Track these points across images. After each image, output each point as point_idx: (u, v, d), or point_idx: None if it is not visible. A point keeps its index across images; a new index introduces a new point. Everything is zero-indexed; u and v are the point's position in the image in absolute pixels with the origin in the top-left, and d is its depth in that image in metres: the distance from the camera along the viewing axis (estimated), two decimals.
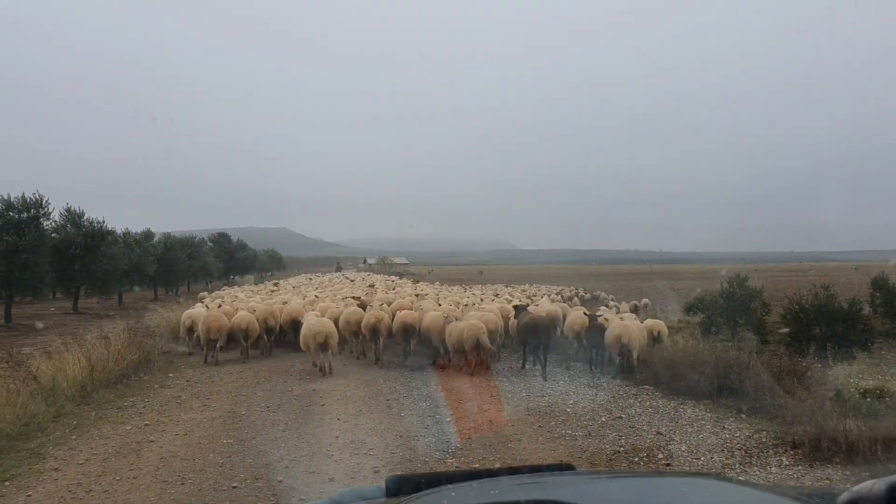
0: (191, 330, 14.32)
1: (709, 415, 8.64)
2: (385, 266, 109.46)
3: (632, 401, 9.52)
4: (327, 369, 11.75)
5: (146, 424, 8.23)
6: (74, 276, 25.66)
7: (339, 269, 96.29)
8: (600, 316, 12.90)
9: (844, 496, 1.29)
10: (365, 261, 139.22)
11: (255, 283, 41.75)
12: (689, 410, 8.88)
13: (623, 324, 11.65)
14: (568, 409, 8.87)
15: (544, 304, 17.41)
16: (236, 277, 59.27)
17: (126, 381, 11.02)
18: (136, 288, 36.46)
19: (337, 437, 7.57)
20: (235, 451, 7.09)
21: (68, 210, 26.47)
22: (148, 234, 36.76)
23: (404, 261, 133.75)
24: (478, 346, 11.34)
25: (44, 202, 22.37)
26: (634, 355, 11.30)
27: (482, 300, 19.27)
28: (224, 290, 27.85)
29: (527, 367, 12.30)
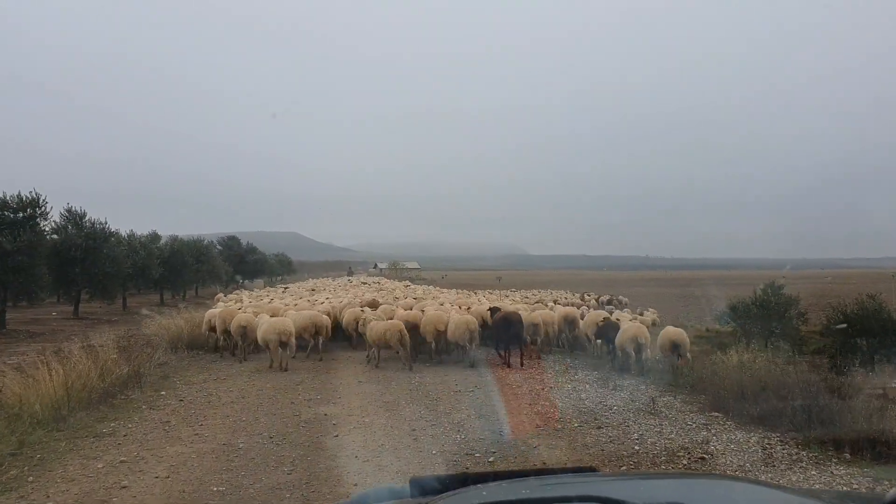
0: (226, 332, 14.17)
1: (804, 454, 7.08)
2: (397, 271, 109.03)
3: (705, 433, 7.95)
4: (284, 366, 12.46)
5: (122, 461, 6.74)
6: (75, 279, 24.44)
7: (351, 274, 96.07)
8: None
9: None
10: (376, 265, 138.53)
11: (266, 288, 40.75)
12: (778, 447, 7.31)
13: (637, 325, 12.60)
14: (636, 447, 7.32)
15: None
16: (245, 282, 58.06)
17: (110, 401, 9.52)
18: (139, 291, 35.29)
19: (356, 483, 6.08)
20: None
21: (69, 210, 25.31)
22: (154, 237, 35.56)
23: (416, 265, 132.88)
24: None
25: (41, 201, 21.09)
26: (644, 355, 11.91)
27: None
28: (249, 292, 28.18)
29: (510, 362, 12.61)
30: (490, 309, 14.60)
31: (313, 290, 30.46)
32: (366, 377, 11.98)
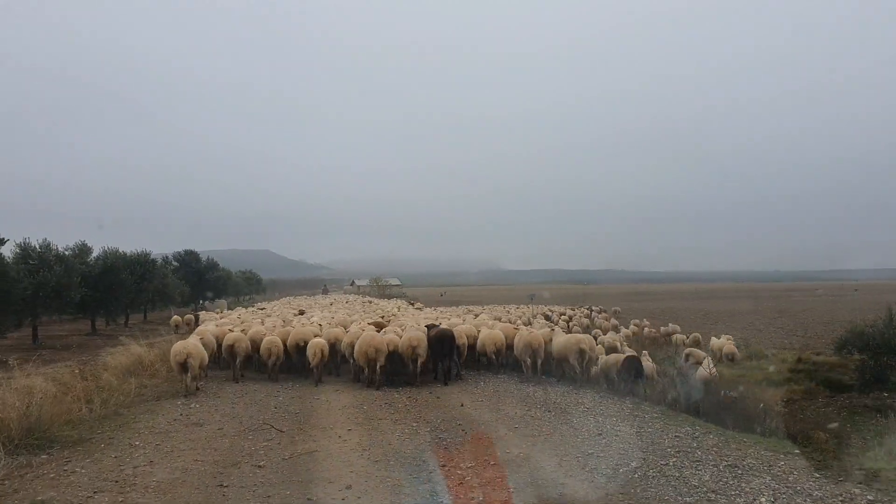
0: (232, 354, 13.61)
1: None
2: (379, 288, 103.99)
3: None
4: (193, 389, 11.75)
5: None
6: None
7: (325, 292, 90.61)
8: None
9: None
10: (353, 282, 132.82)
11: (231, 308, 34.98)
12: None
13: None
14: None
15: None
16: (206, 302, 51.31)
17: None
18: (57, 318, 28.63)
19: None
20: None
21: None
22: (82, 249, 28.84)
23: (397, 282, 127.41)
24: None
25: None
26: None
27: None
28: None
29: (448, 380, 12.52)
30: (427, 326, 14.45)
31: (302, 311, 26.71)
32: (364, 417, 6.51)
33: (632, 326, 28.47)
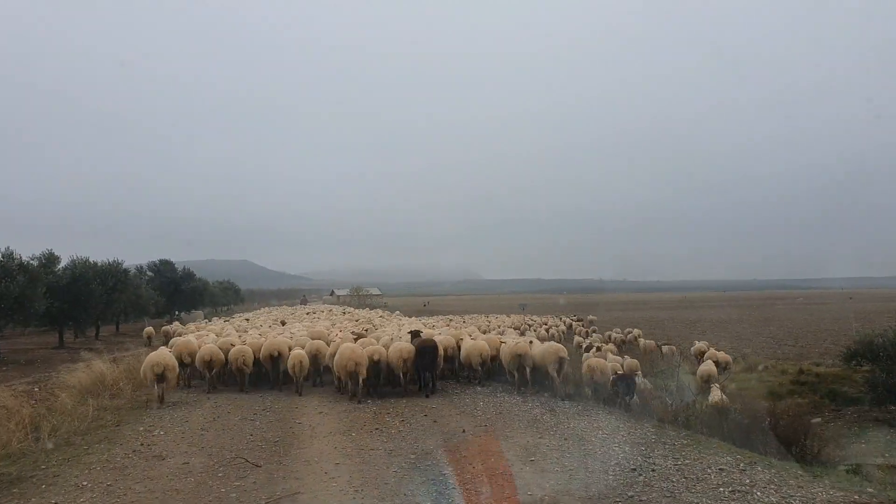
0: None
1: None
2: (359, 298, 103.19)
3: None
4: (162, 399, 11.66)
5: None
6: None
7: (304, 302, 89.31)
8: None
9: None
10: (332, 292, 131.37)
11: (208, 319, 33.67)
12: None
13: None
14: None
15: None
16: (182, 313, 49.55)
17: None
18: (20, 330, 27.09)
19: None
20: None
21: None
22: (50, 258, 27.24)
23: (377, 292, 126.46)
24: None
25: None
26: None
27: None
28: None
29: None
30: (411, 332, 14.42)
31: (283, 321, 26.46)
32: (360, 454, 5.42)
33: (614, 334, 27.94)
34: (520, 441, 8.09)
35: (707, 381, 15.12)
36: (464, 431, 8.82)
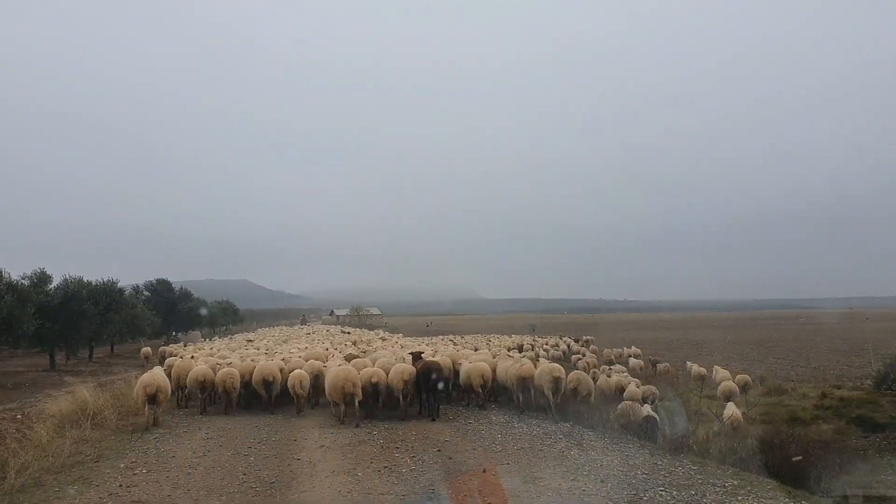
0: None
1: None
2: (359, 318, 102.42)
3: None
4: (153, 421, 11.47)
5: None
6: None
7: (304, 322, 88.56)
8: None
9: None
10: (332, 312, 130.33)
11: (207, 339, 32.89)
12: None
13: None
14: None
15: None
16: (179, 334, 48.51)
17: None
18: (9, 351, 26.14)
19: None
20: None
21: None
22: (41, 277, 26.34)
23: (377, 311, 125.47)
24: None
25: None
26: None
27: None
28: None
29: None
30: (412, 353, 14.38)
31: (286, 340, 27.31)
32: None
33: (632, 359, 27.07)
34: (551, 485, 7.03)
35: (728, 399, 15.24)
36: (484, 471, 7.79)
